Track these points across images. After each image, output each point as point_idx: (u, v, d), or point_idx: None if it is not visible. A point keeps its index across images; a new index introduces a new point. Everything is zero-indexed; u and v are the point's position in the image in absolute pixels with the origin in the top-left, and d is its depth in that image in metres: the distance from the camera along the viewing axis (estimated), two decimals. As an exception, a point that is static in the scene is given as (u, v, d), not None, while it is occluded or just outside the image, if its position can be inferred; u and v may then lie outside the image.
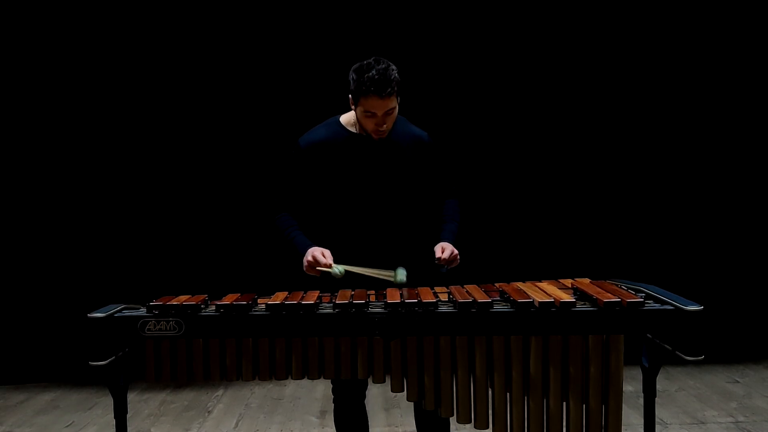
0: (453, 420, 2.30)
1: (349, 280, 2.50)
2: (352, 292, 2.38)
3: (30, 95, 4.74)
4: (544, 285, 2.43)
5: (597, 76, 4.84)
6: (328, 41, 4.72)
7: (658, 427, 3.12)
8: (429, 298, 2.25)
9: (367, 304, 2.24)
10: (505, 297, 2.30)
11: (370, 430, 2.84)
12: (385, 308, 2.23)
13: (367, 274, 2.51)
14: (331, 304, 2.27)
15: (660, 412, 3.80)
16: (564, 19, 4.82)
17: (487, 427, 2.25)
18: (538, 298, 2.21)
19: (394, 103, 2.50)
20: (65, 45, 4.71)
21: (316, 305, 2.25)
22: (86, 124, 4.79)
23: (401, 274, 2.49)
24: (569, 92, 4.87)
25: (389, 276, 2.50)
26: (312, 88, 4.61)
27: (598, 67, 4.84)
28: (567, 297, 2.22)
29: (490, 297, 2.25)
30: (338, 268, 2.48)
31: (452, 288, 2.42)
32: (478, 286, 2.42)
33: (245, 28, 4.78)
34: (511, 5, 4.81)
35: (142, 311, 2.27)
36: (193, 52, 4.78)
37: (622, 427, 2.22)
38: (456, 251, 2.59)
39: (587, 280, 2.49)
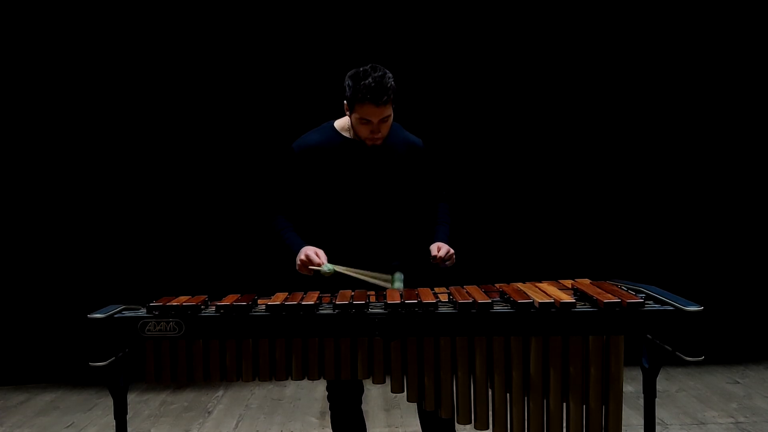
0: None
1: (346, 282, 2.51)
2: (352, 293, 2.38)
3: (30, 95, 4.74)
4: (544, 285, 2.42)
5: (597, 76, 4.85)
6: (322, 47, 4.74)
7: (658, 428, 3.12)
8: (429, 299, 2.25)
9: (367, 305, 2.24)
10: (505, 298, 2.30)
11: (370, 431, 2.84)
12: (385, 309, 2.23)
13: (362, 278, 2.50)
14: (331, 305, 2.27)
15: (660, 413, 3.80)
16: (558, 18, 4.82)
17: (488, 428, 2.25)
18: (538, 298, 2.21)
19: (389, 111, 2.50)
20: (65, 45, 4.71)
21: (316, 306, 2.25)
22: (86, 125, 4.79)
23: (398, 281, 2.50)
24: (569, 93, 4.87)
25: (386, 281, 2.50)
26: (308, 92, 4.62)
27: (599, 66, 4.84)
28: (567, 298, 2.22)
29: (490, 298, 2.25)
30: (327, 266, 2.49)
31: (452, 289, 2.42)
32: (478, 287, 2.42)
33: (242, 34, 4.78)
34: (501, 12, 4.81)
35: (142, 312, 2.27)
36: (193, 55, 4.78)
37: (623, 427, 2.22)
38: (451, 250, 2.62)
39: (587, 281, 2.49)
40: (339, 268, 2.50)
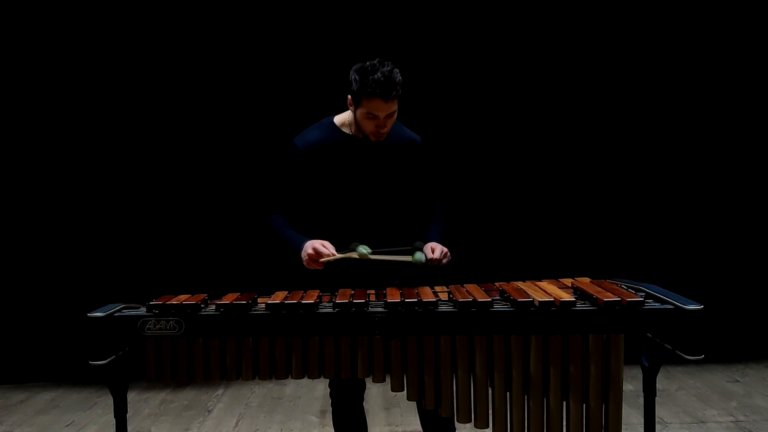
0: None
1: (347, 280, 2.51)
2: (352, 292, 2.38)
3: (30, 95, 4.74)
4: (544, 284, 2.42)
5: (597, 75, 4.84)
6: (319, 44, 4.74)
7: (658, 427, 3.11)
8: (429, 298, 2.25)
9: (367, 304, 2.24)
10: (505, 296, 2.30)
11: (370, 429, 2.84)
12: (385, 308, 2.23)
13: (387, 259, 2.49)
14: (331, 304, 2.27)
15: (660, 412, 3.80)
16: (557, 18, 4.82)
17: (487, 427, 2.26)
18: (538, 297, 2.21)
19: (396, 107, 2.49)
20: (65, 45, 4.71)
21: (316, 305, 2.25)
22: (86, 124, 4.79)
23: (419, 256, 2.48)
24: (569, 92, 4.87)
25: (407, 258, 2.48)
26: (306, 90, 4.63)
27: (598, 65, 4.84)
28: (567, 296, 2.22)
29: (490, 296, 2.25)
30: (363, 249, 2.45)
31: (452, 287, 2.42)
32: (478, 286, 2.42)
33: (239, 33, 4.78)
34: (499, 10, 4.81)
35: (142, 311, 2.27)
36: (193, 55, 4.78)
37: (622, 426, 2.22)
38: (446, 249, 2.58)
39: (587, 280, 2.49)
40: (370, 255, 2.46)
